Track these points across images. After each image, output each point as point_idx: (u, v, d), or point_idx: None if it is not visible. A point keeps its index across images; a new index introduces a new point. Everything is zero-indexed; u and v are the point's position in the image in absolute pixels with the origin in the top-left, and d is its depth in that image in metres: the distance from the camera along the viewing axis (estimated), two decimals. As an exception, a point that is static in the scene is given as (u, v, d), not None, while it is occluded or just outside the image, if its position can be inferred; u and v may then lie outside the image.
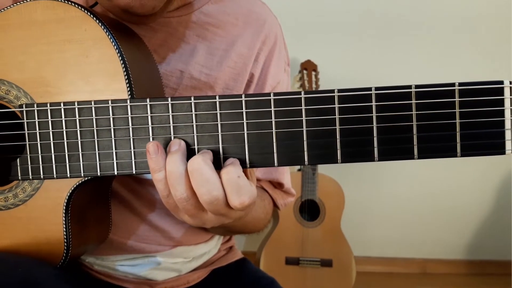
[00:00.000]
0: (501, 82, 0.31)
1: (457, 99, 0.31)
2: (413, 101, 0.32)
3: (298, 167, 1.37)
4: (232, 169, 0.32)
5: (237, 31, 0.50)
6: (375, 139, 0.32)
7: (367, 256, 1.60)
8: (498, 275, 1.56)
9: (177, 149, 0.33)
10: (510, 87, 0.31)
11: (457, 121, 0.31)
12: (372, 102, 0.32)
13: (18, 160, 0.39)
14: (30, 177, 0.38)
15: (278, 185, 0.57)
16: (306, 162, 0.33)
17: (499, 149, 0.31)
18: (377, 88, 0.32)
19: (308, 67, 1.37)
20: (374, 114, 0.32)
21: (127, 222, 0.49)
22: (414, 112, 0.32)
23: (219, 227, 0.51)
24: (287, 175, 0.58)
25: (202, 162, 0.32)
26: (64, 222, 0.38)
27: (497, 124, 0.31)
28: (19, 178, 0.39)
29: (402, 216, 1.61)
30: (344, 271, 1.28)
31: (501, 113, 0.31)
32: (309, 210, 1.32)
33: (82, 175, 0.37)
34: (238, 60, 0.50)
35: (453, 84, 0.31)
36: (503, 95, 0.31)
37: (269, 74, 0.52)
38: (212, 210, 0.33)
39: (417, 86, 0.32)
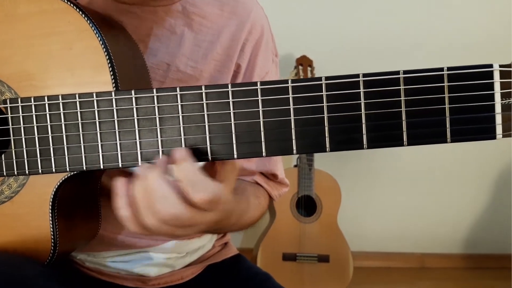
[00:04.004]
0: (490, 66, 0.30)
1: (446, 83, 0.31)
2: (402, 87, 0.31)
3: (295, 162, 1.36)
4: (189, 166, 0.31)
5: (222, 22, 0.49)
6: (363, 126, 0.32)
7: (364, 251, 1.59)
8: (495, 269, 1.55)
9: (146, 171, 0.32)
10: (500, 71, 0.30)
11: (447, 106, 0.31)
12: (360, 89, 0.32)
13: (2, 156, 0.38)
14: (16, 173, 0.38)
15: (272, 176, 0.57)
16: (295, 151, 0.33)
17: (490, 134, 0.31)
18: (364, 75, 0.32)
19: (304, 62, 1.37)
20: (362, 101, 0.32)
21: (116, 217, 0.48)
22: (402, 98, 0.31)
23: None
24: (280, 165, 0.57)
25: (159, 179, 0.31)
26: (50, 218, 0.38)
27: (487, 108, 0.30)
28: (4, 174, 0.38)
29: (399, 211, 1.60)
30: (341, 266, 1.28)
31: (491, 97, 0.30)
32: (306, 205, 1.32)
33: (68, 169, 0.36)
34: (222, 52, 0.49)
35: (441, 69, 0.31)
36: (492, 79, 0.30)
37: (257, 64, 0.52)
38: (175, 225, 0.33)
39: (405, 72, 0.31)
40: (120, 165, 0.35)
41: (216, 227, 0.37)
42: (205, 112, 0.34)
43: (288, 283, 1.26)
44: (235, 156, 0.34)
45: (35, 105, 0.37)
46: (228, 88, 0.33)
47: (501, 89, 0.30)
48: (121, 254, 0.50)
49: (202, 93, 0.33)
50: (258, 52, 0.52)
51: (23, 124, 0.37)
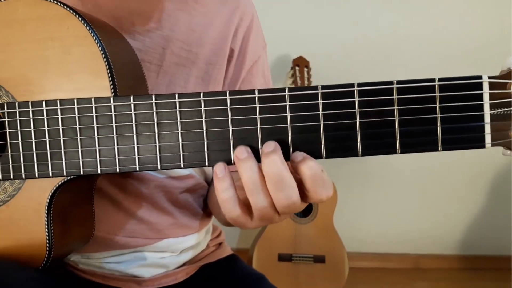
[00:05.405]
0: (480, 77, 0.31)
1: (437, 94, 0.32)
2: (395, 97, 0.32)
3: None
4: (314, 164, 0.31)
5: (214, 8, 0.52)
6: (358, 134, 0.32)
7: (359, 252, 1.60)
8: (491, 270, 1.57)
9: (248, 155, 0.32)
10: (488, 82, 0.31)
11: (438, 115, 0.32)
12: (354, 98, 0.32)
13: (-1, 159, 0.38)
14: (12, 177, 0.38)
15: None
16: (290, 158, 0.33)
17: (479, 143, 0.32)
18: (359, 84, 0.32)
19: (300, 63, 1.38)
20: (357, 110, 0.32)
21: (111, 217, 0.48)
22: (396, 107, 0.32)
23: None
24: None
25: (281, 165, 0.31)
26: (46, 223, 0.38)
27: (477, 118, 0.32)
28: (0, 177, 0.38)
29: (394, 211, 1.62)
30: (336, 267, 1.29)
31: (480, 107, 0.31)
32: (301, 207, 1.32)
33: (65, 174, 0.36)
34: (217, 36, 0.52)
35: (433, 80, 0.32)
36: (481, 90, 0.31)
37: (249, 48, 0.54)
38: (286, 212, 0.33)
39: (398, 82, 0.32)
40: (118, 170, 0.36)
41: None
42: (203, 119, 0.34)
43: (284, 283, 1.27)
44: (232, 162, 0.34)
45: (32, 109, 0.37)
46: (226, 95, 0.34)
47: (490, 100, 0.32)
48: (115, 254, 0.50)
49: (200, 100, 0.34)
50: (249, 37, 0.54)
51: (20, 128, 0.37)
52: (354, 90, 0.32)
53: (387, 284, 1.52)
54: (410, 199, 1.60)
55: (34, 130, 0.37)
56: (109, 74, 0.36)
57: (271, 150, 0.31)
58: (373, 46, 1.49)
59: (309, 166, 0.31)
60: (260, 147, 0.34)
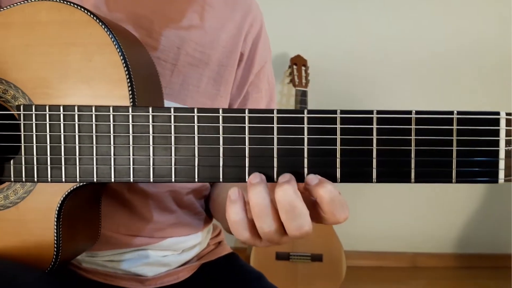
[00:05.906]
0: (497, 113, 0.32)
1: (455, 127, 0.32)
2: (413, 127, 0.32)
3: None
4: (332, 188, 0.31)
5: (226, 13, 0.54)
6: (374, 161, 0.33)
7: (357, 251, 1.61)
8: (487, 268, 1.59)
9: (259, 181, 0.32)
10: (506, 118, 0.32)
11: (454, 148, 0.32)
12: (373, 125, 0.33)
13: (12, 161, 0.38)
14: (23, 179, 0.38)
15: None
16: (305, 181, 0.34)
17: (493, 178, 0.32)
18: (378, 112, 0.33)
19: (298, 62, 1.39)
20: (374, 137, 0.33)
21: (117, 215, 0.49)
22: (413, 137, 0.32)
23: None
24: None
25: (294, 194, 0.31)
26: (55, 227, 0.38)
27: (492, 153, 0.32)
28: (12, 179, 0.38)
29: (391, 210, 1.62)
30: (334, 265, 1.29)
31: (496, 143, 0.32)
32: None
33: (78, 180, 0.36)
34: (229, 39, 0.54)
35: (451, 112, 0.32)
36: (498, 126, 0.32)
37: (257, 53, 0.57)
38: (297, 237, 0.33)
39: (417, 112, 0.32)
40: (132, 180, 0.36)
41: None
42: (221, 135, 0.34)
43: (282, 282, 1.27)
44: (247, 180, 0.34)
45: (49, 114, 0.37)
46: (245, 113, 0.34)
47: (506, 136, 0.32)
48: (119, 253, 0.50)
49: (219, 116, 0.34)
50: (258, 43, 0.57)
51: (36, 131, 0.37)
52: (372, 117, 0.33)
53: (384, 282, 1.53)
54: (407, 198, 1.61)
55: (49, 134, 0.37)
56: (129, 84, 0.36)
57: (285, 181, 0.32)
58: (372, 46, 1.50)
59: (328, 190, 0.31)
60: (275, 165, 0.34)
